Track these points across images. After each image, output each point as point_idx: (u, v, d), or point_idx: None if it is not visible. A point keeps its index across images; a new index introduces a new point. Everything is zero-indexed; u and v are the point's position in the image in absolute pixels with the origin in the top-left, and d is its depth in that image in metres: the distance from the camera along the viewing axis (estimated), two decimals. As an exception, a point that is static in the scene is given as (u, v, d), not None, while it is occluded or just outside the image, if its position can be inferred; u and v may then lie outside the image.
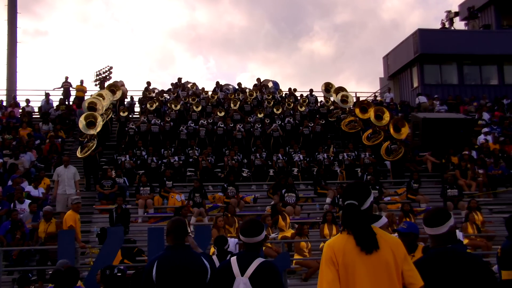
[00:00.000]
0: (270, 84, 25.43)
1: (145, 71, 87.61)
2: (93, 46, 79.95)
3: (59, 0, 78.77)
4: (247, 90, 23.50)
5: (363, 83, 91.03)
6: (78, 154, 15.53)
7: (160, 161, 16.60)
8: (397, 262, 3.21)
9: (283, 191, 14.38)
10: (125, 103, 21.84)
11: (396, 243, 3.29)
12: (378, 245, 3.20)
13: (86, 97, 21.20)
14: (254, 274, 3.70)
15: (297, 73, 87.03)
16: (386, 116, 17.37)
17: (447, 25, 29.36)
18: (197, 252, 4.28)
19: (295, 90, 24.39)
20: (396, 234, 5.15)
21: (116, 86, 20.18)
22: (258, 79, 25.45)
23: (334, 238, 3.38)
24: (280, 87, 25.84)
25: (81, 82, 22.91)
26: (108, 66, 29.13)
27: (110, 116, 18.72)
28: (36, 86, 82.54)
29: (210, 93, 23.21)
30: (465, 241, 10.59)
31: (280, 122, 19.34)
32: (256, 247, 3.91)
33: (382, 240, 3.25)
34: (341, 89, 20.47)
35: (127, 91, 22.83)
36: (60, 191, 13.69)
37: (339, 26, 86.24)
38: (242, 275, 3.72)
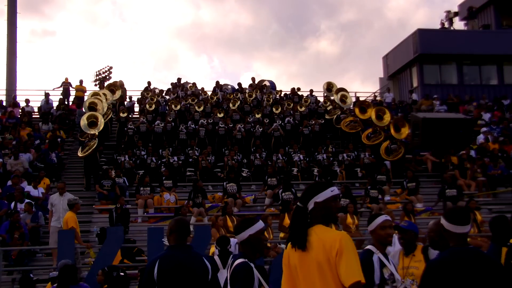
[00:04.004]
0: (267, 84, 25.45)
1: (149, 70, 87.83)
2: (99, 46, 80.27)
3: (68, 1, 79.01)
4: (246, 91, 23.50)
5: (368, 83, 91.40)
6: (79, 154, 15.56)
7: (159, 161, 16.62)
8: (330, 261, 3.13)
9: (280, 190, 14.42)
10: (125, 103, 21.84)
11: (332, 240, 3.17)
12: (305, 244, 3.20)
13: (85, 97, 21.20)
14: (230, 276, 3.79)
15: (302, 72, 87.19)
16: (387, 116, 17.41)
17: (446, 25, 29.37)
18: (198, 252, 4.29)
19: (298, 89, 24.36)
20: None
21: (116, 86, 20.19)
22: (253, 78, 25.46)
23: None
24: (281, 87, 25.89)
25: (81, 82, 22.91)
26: (108, 66, 29.20)
27: (110, 116, 18.73)
28: (38, 86, 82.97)
29: (209, 93, 23.23)
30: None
31: (280, 122, 19.36)
32: (243, 245, 3.90)
33: (318, 239, 3.20)
34: (341, 89, 20.53)
35: (126, 91, 22.88)
36: (54, 223, 11.47)
37: (345, 26, 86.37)
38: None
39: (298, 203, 3.39)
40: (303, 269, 3.22)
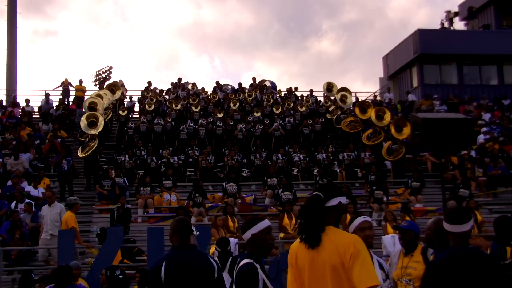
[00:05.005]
0: (268, 84, 25.47)
1: (150, 70, 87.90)
2: (100, 46, 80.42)
3: (70, 1, 79.15)
4: (246, 91, 23.52)
5: (369, 83, 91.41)
6: (79, 154, 15.55)
7: (160, 161, 16.62)
8: (344, 264, 3.13)
9: (280, 190, 14.41)
10: (125, 103, 21.85)
11: (345, 244, 3.17)
12: (319, 242, 3.19)
13: (85, 97, 21.19)
14: (235, 276, 3.73)
15: (303, 72, 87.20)
16: (387, 116, 17.43)
17: (446, 25, 29.36)
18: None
19: (296, 89, 24.40)
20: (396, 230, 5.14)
21: (116, 86, 20.19)
22: (254, 78, 25.49)
23: (297, 239, 3.44)
24: (283, 87, 25.88)
25: (80, 82, 22.91)
26: (107, 66, 29.21)
27: (110, 116, 18.73)
28: (38, 86, 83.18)
29: (209, 93, 23.25)
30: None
31: (280, 121, 19.36)
32: (248, 245, 3.84)
33: (329, 242, 3.20)
34: (343, 89, 20.56)
35: (126, 91, 22.89)
36: (43, 235, 10.91)
37: (347, 26, 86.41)
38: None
39: (317, 193, 3.36)
40: (313, 270, 3.20)
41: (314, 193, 3.41)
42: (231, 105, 20.70)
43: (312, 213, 3.30)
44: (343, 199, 3.39)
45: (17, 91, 24.70)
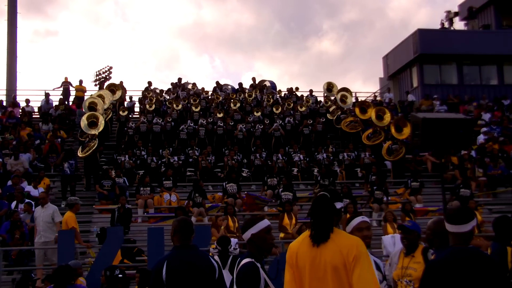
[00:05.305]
0: (268, 84, 25.48)
1: (151, 70, 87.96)
2: (101, 46, 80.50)
3: (71, 1, 79.21)
4: (247, 91, 23.52)
5: (369, 83, 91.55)
6: (79, 154, 15.55)
7: (160, 161, 16.63)
8: (346, 266, 3.16)
9: (280, 190, 14.42)
10: (125, 103, 21.84)
11: (349, 245, 3.21)
12: (327, 238, 3.24)
13: (85, 97, 21.18)
14: (236, 276, 3.72)
15: (304, 72, 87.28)
16: (387, 117, 17.44)
17: (446, 25, 29.36)
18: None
19: (297, 89, 24.40)
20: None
21: (116, 86, 20.19)
22: (254, 78, 25.51)
23: (296, 239, 3.48)
24: (283, 87, 25.89)
25: (80, 82, 22.90)
26: (108, 66, 29.21)
27: (110, 116, 18.73)
28: (38, 86, 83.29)
29: (210, 93, 23.24)
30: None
31: (280, 121, 19.36)
32: (248, 245, 3.84)
33: (332, 242, 3.23)
34: (343, 89, 20.57)
35: (125, 91, 22.88)
36: (36, 238, 10.60)
37: (347, 26, 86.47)
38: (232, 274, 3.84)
39: (324, 193, 3.43)
40: (314, 270, 3.22)
41: (321, 193, 3.45)
42: (232, 105, 20.71)
43: (323, 210, 3.33)
44: (343, 205, 3.49)
45: (17, 91, 24.70)
